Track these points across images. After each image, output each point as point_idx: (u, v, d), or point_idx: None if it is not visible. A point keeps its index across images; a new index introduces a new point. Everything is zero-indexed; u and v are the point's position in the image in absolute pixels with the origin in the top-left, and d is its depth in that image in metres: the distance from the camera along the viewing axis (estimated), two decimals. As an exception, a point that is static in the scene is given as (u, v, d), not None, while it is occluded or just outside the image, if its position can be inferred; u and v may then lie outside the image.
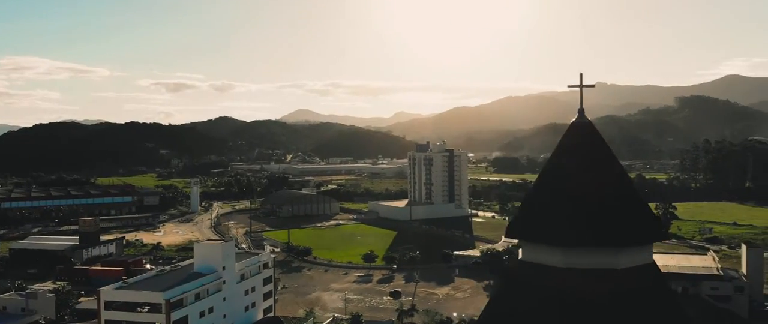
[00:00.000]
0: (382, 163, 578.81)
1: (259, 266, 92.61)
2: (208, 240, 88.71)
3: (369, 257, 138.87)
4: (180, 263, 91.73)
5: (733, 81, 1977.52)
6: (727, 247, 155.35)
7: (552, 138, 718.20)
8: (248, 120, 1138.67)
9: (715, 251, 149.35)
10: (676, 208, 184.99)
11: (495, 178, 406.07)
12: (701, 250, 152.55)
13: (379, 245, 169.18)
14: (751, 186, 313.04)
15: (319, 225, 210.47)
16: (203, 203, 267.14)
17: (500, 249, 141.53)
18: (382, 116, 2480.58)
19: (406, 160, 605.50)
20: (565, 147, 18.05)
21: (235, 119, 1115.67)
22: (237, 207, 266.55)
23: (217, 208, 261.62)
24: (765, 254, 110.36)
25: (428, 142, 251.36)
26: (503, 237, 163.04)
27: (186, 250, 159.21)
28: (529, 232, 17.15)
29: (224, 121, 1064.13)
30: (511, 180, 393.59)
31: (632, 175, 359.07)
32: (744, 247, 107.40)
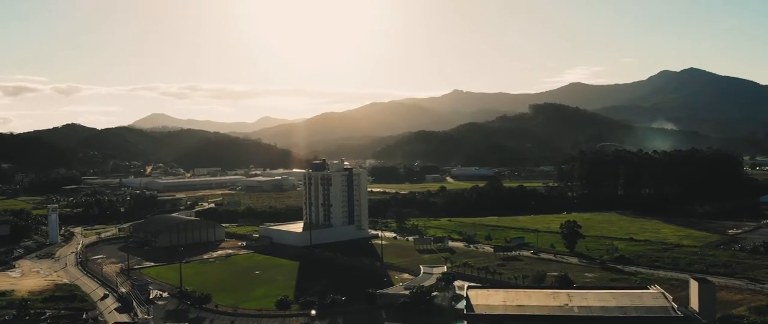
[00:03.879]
0: (257, 175, 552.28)
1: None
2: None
3: (283, 303, 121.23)
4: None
5: (576, 88, 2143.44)
6: (633, 266, 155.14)
7: (423, 146, 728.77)
8: (99, 127, 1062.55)
9: (630, 274, 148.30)
10: (581, 227, 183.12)
11: (377, 190, 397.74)
12: (614, 273, 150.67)
13: (283, 281, 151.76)
14: (623, 194, 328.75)
15: (206, 257, 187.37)
16: (62, 231, 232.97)
17: (426, 285, 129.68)
18: (245, 121, 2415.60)
19: (282, 171, 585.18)
20: None
21: (85, 126, 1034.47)
22: (103, 235, 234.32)
23: (81, 237, 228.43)
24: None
25: (325, 160, 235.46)
26: (422, 269, 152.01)
27: (55, 299, 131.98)
28: None
29: (72, 129, 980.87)
30: (393, 190, 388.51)
31: (514, 185, 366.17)
32: (695, 284, 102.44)
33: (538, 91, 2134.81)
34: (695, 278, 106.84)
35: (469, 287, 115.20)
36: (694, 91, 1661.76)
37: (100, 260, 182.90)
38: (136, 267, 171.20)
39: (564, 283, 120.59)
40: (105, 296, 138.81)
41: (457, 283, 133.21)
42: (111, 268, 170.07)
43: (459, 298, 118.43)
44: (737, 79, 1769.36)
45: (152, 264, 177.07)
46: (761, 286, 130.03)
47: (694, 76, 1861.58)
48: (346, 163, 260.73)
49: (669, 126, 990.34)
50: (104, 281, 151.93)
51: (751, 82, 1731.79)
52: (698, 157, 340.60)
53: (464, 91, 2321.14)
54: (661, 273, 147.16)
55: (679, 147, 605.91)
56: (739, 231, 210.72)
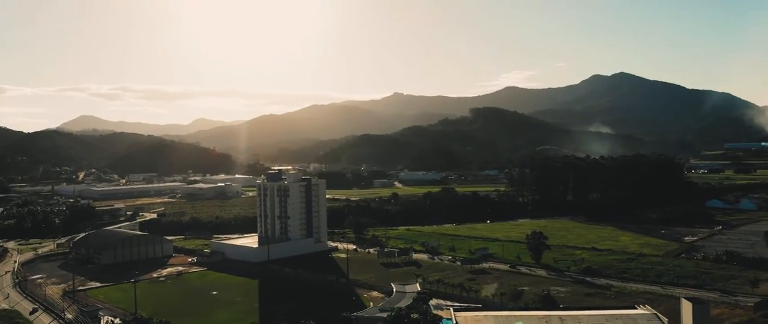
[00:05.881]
0: (197, 181, 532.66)
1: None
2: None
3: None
4: None
5: (512, 92, 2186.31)
6: (603, 278, 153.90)
7: (367, 149, 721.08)
8: (26, 130, 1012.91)
9: (603, 288, 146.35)
10: (547, 238, 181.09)
11: (328, 196, 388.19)
12: (586, 286, 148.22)
13: (244, 303, 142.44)
14: (572, 200, 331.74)
15: (155, 275, 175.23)
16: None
17: (403, 305, 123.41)
18: (180, 123, 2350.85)
19: (224, 176, 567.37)
20: None
21: (11, 130, 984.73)
22: (40, 251, 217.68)
23: (16, 254, 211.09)
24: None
25: (280, 170, 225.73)
26: (395, 288, 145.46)
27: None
28: None
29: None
30: (343, 197, 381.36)
31: (466, 190, 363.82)
32: (688, 304, 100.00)
33: (476, 95, 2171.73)
34: (688, 298, 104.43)
35: (455, 310, 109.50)
36: (624, 95, 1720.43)
37: (40, 280, 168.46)
38: (80, 288, 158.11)
39: (548, 302, 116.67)
40: (34, 311, 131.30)
41: (432, 302, 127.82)
42: (53, 290, 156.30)
43: (437, 318, 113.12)
44: (665, 83, 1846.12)
45: (98, 284, 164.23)
46: (735, 298, 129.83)
47: (624, 80, 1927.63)
48: (292, 169, 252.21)
49: (605, 129, 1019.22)
50: (48, 306, 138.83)
51: (678, 86, 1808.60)
52: (644, 163, 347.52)
53: (404, 94, 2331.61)
54: (633, 286, 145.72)
55: (616, 150, 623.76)
56: (696, 238, 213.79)
